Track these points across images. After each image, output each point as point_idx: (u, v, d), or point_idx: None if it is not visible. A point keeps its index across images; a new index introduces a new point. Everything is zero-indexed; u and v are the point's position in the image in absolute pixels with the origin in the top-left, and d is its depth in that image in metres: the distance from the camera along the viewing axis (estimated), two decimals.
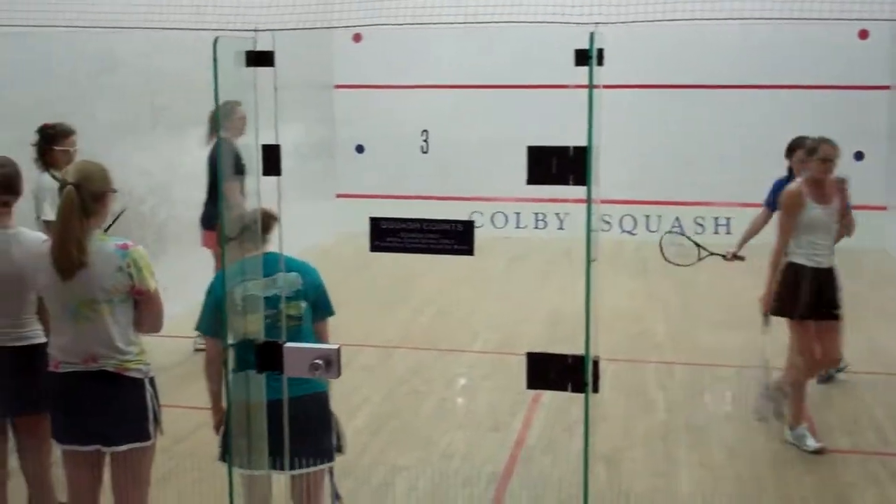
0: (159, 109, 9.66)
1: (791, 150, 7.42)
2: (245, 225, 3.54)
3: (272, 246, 4.14)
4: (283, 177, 3.26)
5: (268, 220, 3.78)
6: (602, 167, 2.94)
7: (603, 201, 3.01)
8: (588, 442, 3.12)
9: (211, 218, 7.99)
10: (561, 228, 13.99)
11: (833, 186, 6.45)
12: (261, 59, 3.18)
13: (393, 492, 5.95)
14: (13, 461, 4.79)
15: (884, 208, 12.64)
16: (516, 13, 8.24)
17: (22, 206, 4.70)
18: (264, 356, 3.30)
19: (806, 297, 6.42)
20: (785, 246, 6.51)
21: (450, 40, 13.43)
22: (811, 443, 6.45)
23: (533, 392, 6.86)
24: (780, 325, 6.65)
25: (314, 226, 12.31)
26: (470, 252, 3.17)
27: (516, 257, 12.95)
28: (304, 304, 4.50)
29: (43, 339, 4.49)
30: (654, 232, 14.02)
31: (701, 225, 13.83)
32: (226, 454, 4.17)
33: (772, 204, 7.53)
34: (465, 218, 3.28)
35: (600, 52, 2.88)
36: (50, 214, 6.58)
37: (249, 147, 3.22)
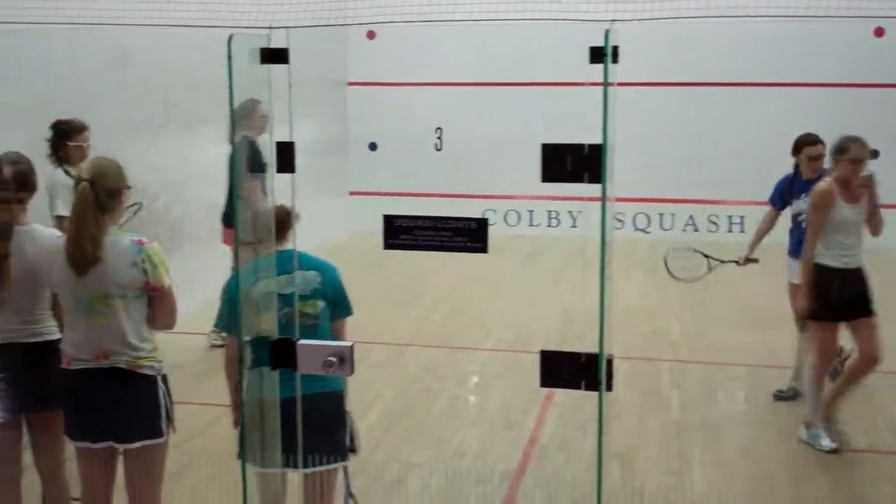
0: (172, 107, 9.67)
1: (797, 147, 7.30)
2: (263, 222, 3.54)
3: (291, 243, 4.15)
4: (297, 174, 3.25)
5: (288, 218, 3.77)
6: (616, 165, 2.93)
7: (617, 199, 3.00)
8: (602, 440, 3.11)
9: (232, 216, 8.01)
10: (574, 226, 13.96)
11: (861, 184, 6.31)
12: (275, 56, 3.18)
13: (406, 489, 5.94)
14: (27, 457, 4.80)
15: None
16: (531, 10, 8.22)
17: (36, 203, 4.71)
18: (278, 353, 3.30)
19: (834, 299, 6.31)
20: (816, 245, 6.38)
21: (464, 38, 13.41)
22: (826, 443, 6.42)
23: (546, 390, 6.85)
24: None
25: (327, 223, 12.30)
26: (484, 250, 3.16)
27: (529, 255, 12.93)
28: (321, 303, 4.47)
29: (57, 336, 4.50)
30: (667, 230, 14.01)
31: (714, 223, 13.80)
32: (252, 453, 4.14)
33: (777, 202, 7.47)
34: (477, 216, 3.28)
35: (615, 49, 2.86)
36: (63, 210, 6.60)
37: (264, 144, 3.22)
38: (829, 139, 6.65)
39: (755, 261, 7.41)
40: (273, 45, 3.19)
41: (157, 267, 4.23)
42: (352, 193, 14.54)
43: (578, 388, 3.03)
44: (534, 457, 6.45)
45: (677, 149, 13.57)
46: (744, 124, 13.23)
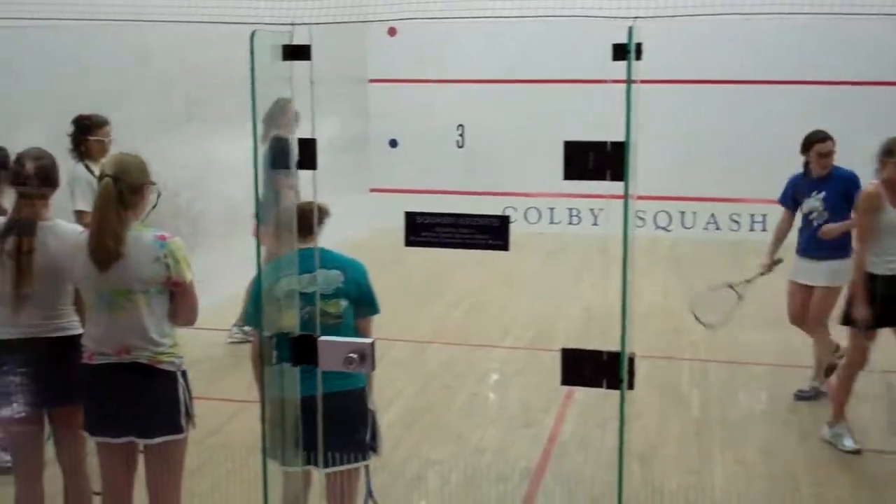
0: (193, 103, 9.70)
1: (807, 144, 7.18)
2: (288, 220, 3.54)
3: (320, 241, 4.15)
4: (318, 171, 3.25)
5: (311, 215, 3.75)
6: (637, 163, 2.91)
7: (638, 197, 2.98)
8: (623, 439, 3.10)
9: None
10: (595, 224, 13.93)
11: None
12: (297, 52, 3.18)
13: (426, 486, 5.95)
14: (49, 451, 4.83)
15: None
16: (553, 7, 8.21)
17: (57, 197, 4.73)
18: (299, 349, 3.30)
19: (878, 309, 6.15)
20: (865, 251, 6.21)
21: (485, 34, 13.40)
22: (849, 443, 6.37)
23: (566, 388, 6.83)
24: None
25: (347, 220, 12.30)
26: (505, 247, 3.15)
27: (550, 253, 12.91)
28: (343, 303, 4.42)
29: (80, 331, 4.52)
30: (689, 228, 13.96)
31: (737, 222, 13.74)
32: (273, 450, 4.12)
33: (789, 203, 7.38)
34: (497, 213, 3.27)
35: (638, 46, 2.85)
36: (82, 205, 6.64)
37: (294, 142, 3.22)
38: (855, 138, 6.59)
39: (779, 261, 7.35)
40: (295, 42, 3.19)
41: (179, 262, 4.24)
42: (372, 190, 14.55)
43: (600, 386, 3.02)
44: (553, 455, 6.44)
45: (699, 146, 13.51)
46: (767, 122, 13.16)
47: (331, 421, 3.74)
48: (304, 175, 3.28)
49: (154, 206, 4.45)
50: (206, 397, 5.54)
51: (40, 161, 4.56)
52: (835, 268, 7.05)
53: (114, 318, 4.23)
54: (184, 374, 4.38)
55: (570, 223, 14.28)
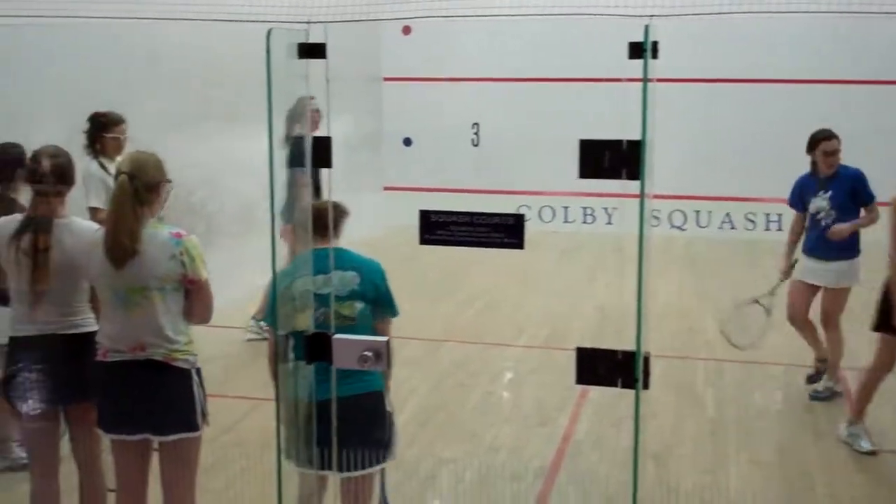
0: (209, 101, 9.72)
1: (812, 143, 7.14)
2: (306, 220, 3.55)
3: (338, 241, 4.14)
4: (331, 169, 3.25)
5: (326, 215, 3.74)
6: (653, 162, 2.91)
7: (653, 196, 2.97)
8: (638, 438, 3.09)
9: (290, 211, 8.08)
10: (609, 223, 13.91)
11: None
12: (313, 51, 3.18)
13: (440, 484, 5.95)
14: (65, 448, 4.84)
15: None
16: (568, 5, 8.19)
17: (72, 193, 4.74)
18: (313, 347, 3.30)
19: None
20: None
21: (500, 33, 13.39)
22: (865, 444, 6.34)
23: (580, 387, 6.82)
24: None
25: (361, 218, 12.32)
26: (520, 246, 3.15)
27: (564, 252, 12.90)
28: (358, 305, 4.30)
29: (95, 328, 4.53)
30: (704, 227, 13.92)
31: (752, 221, 13.70)
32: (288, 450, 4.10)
33: (798, 205, 7.33)
34: (511, 211, 3.26)
35: (654, 44, 2.84)
36: (95, 201, 6.67)
37: (297, 140, 3.22)
38: (870, 137, 6.56)
39: (797, 261, 7.32)
40: (311, 40, 3.19)
41: (195, 260, 4.25)
42: (386, 188, 14.56)
43: (615, 385, 3.01)
44: (568, 454, 6.43)
45: (714, 145, 13.48)
46: (783, 121, 13.10)
47: (350, 424, 3.72)
48: (325, 174, 3.27)
49: (164, 201, 4.46)
50: (220, 395, 5.55)
51: (56, 159, 4.57)
52: (844, 268, 7.02)
53: (129, 315, 4.24)
54: (198, 371, 4.38)
55: (585, 222, 14.27)
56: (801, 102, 12.99)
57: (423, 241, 3.23)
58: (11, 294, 4.60)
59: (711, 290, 10.75)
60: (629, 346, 2.99)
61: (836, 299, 7.11)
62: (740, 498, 5.81)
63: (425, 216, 3.22)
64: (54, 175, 4.52)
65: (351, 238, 4.57)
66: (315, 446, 3.65)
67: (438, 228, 3.22)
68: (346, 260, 4.34)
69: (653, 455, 6.20)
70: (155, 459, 4.48)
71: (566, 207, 14.23)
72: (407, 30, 14.17)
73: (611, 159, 2.85)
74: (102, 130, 6.89)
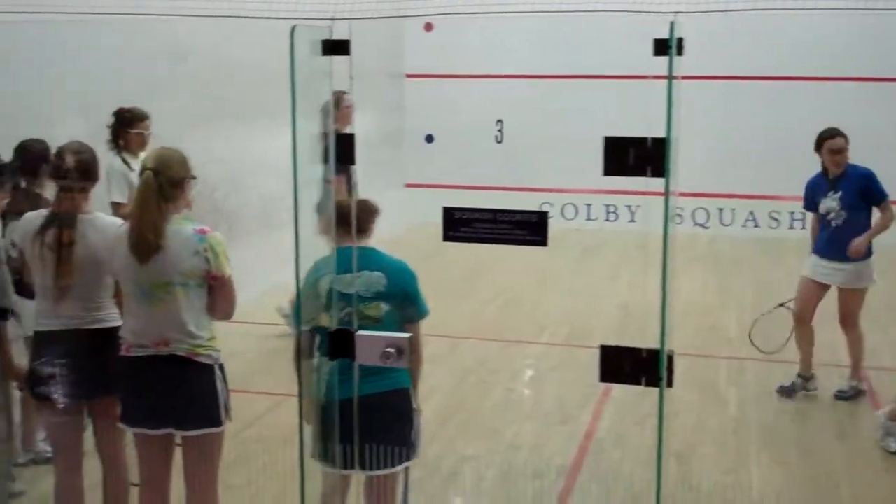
0: (231, 98, 9.74)
1: (818, 143, 7.08)
2: (334, 217, 3.54)
3: (368, 240, 4.13)
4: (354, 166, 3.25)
5: (349, 214, 3.71)
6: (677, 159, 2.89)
7: (678, 194, 2.96)
8: (662, 437, 3.08)
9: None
10: (632, 221, 13.87)
11: None
12: (337, 47, 3.18)
13: (461, 481, 5.94)
14: (88, 442, 4.87)
15: None
16: (593, 2, 8.14)
17: (95, 189, 4.76)
18: (336, 343, 3.31)
19: None
20: None
21: (523, 30, 13.37)
22: (894, 444, 6.27)
23: (602, 385, 6.80)
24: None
25: (383, 215, 12.33)
26: (544, 243, 3.14)
27: (587, 249, 12.87)
28: (384, 307, 4.23)
29: (119, 323, 4.55)
30: (727, 225, 13.86)
31: (776, 219, 13.63)
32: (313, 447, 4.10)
33: (812, 207, 7.25)
34: (534, 209, 3.26)
35: (680, 41, 2.82)
36: (117, 196, 6.71)
37: (325, 136, 3.22)
38: (893, 134, 6.51)
39: None
40: (335, 37, 3.19)
41: (219, 256, 4.26)
42: (408, 185, 14.56)
43: (638, 383, 3.01)
44: (590, 452, 6.41)
45: (738, 143, 13.41)
46: (807, 119, 12.94)
47: (375, 421, 3.71)
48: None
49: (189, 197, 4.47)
50: (242, 390, 5.56)
51: (80, 155, 4.59)
52: (861, 269, 6.99)
53: (152, 310, 4.25)
54: (221, 367, 4.40)
55: (608, 219, 14.23)
56: (826, 100, 12.88)
57: (447, 237, 3.23)
58: (36, 289, 4.63)
59: (734, 288, 10.70)
60: (651, 344, 2.98)
61: (853, 299, 7.07)
62: (763, 498, 5.78)
63: (449, 213, 3.22)
64: (78, 171, 4.54)
65: (374, 235, 4.56)
66: (338, 444, 3.65)
67: (462, 225, 3.22)
68: (373, 260, 4.29)
69: (675, 454, 6.18)
70: (178, 454, 4.50)
71: (589, 205, 14.19)
72: (429, 26, 14.17)
73: (635, 156, 2.84)
74: (126, 126, 6.92)
